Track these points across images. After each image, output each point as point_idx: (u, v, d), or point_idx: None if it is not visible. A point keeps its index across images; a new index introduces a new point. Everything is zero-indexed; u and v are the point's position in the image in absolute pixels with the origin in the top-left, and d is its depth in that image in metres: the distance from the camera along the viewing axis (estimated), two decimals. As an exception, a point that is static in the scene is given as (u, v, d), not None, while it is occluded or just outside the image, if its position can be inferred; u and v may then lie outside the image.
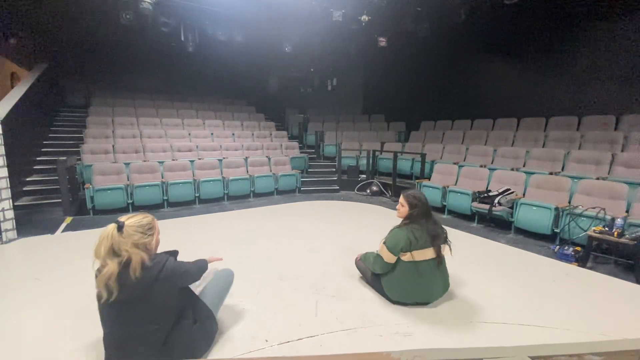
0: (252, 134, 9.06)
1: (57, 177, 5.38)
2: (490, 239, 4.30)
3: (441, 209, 5.61)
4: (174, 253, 1.83)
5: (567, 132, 6.06)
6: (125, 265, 1.55)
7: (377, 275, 2.63)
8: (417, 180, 6.36)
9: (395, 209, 2.70)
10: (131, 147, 6.79)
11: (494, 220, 4.86)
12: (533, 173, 4.97)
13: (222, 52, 9.26)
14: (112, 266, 1.52)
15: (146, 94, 10.04)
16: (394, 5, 6.29)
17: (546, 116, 6.66)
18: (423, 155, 6.84)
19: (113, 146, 6.67)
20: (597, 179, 4.43)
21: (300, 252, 3.70)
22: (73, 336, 2.13)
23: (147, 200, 5.68)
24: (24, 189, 5.94)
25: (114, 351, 1.67)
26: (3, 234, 3.99)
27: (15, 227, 4.13)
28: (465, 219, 5.28)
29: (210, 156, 7.32)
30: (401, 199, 2.56)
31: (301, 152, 8.88)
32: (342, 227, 4.81)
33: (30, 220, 4.89)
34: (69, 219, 5.06)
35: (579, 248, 3.60)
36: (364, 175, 7.95)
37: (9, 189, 4.07)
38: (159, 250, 1.78)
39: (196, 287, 2.02)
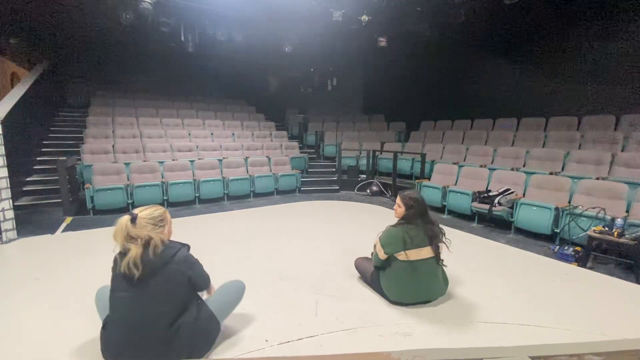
0: (252, 134, 9.06)
1: (57, 177, 5.39)
2: (490, 239, 4.30)
3: (441, 209, 5.61)
4: (187, 246, 1.92)
5: (567, 132, 6.06)
6: (145, 246, 1.69)
7: (377, 276, 2.64)
8: (417, 180, 6.36)
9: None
10: (131, 147, 6.79)
11: (494, 220, 4.86)
12: (533, 173, 4.97)
13: (222, 52, 9.25)
14: (135, 249, 1.66)
15: (146, 94, 10.04)
16: (394, 5, 6.29)
17: (546, 116, 6.67)
18: (423, 155, 6.84)
19: (113, 146, 6.67)
20: (597, 179, 4.43)
21: (300, 252, 3.70)
22: (73, 336, 2.13)
23: (147, 200, 5.65)
24: (24, 189, 5.94)
25: (123, 338, 1.70)
26: (3, 234, 3.99)
27: (15, 227, 4.13)
28: (465, 219, 5.28)
29: (210, 156, 7.32)
30: (398, 200, 2.59)
31: (301, 152, 8.87)
32: (342, 227, 4.81)
33: (30, 220, 4.89)
34: (69, 219, 5.06)
35: (579, 248, 3.60)
36: (364, 175, 7.95)
37: (9, 189, 4.07)
38: None
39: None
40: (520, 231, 4.49)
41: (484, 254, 3.81)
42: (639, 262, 3.11)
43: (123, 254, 1.68)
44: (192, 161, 6.73)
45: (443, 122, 8.71)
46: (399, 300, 2.52)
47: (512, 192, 4.75)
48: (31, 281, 2.97)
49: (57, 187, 5.42)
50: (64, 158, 5.30)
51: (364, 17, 6.65)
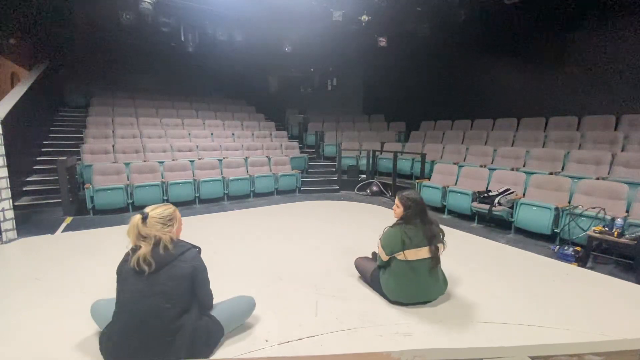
0: (252, 134, 9.06)
1: (57, 177, 5.38)
2: (490, 239, 4.30)
3: (441, 209, 5.61)
4: (198, 248, 1.96)
5: (567, 132, 6.05)
6: (155, 244, 1.77)
7: (376, 275, 2.65)
8: (417, 181, 6.36)
9: (395, 209, 2.70)
10: (131, 147, 6.79)
11: (494, 220, 4.86)
12: (533, 173, 4.97)
13: (222, 52, 9.26)
14: (145, 247, 1.74)
15: (146, 94, 10.02)
16: (394, 5, 6.29)
17: (546, 116, 6.66)
18: (423, 155, 6.84)
19: (113, 146, 6.66)
20: (597, 179, 4.43)
21: (300, 252, 3.70)
22: (73, 336, 2.13)
23: (148, 200, 5.65)
24: (24, 189, 5.94)
25: (124, 337, 1.73)
26: (3, 234, 3.98)
27: (15, 227, 4.13)
28: (465, 219, 5.28)
29: (210, 156, 7.32)
30: (396, 200, 2.60)
31: (301, 152, 8.87)
32: (342, 227, 4.81)
33: (30, 220, 4.89)
34: (69, 219, 5.06)
35: (579, 248, 3.60)
36: (364, 175, 7.95)
37: (9, 189, 4.07)
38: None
39: None
40: (520, 231, 4.48)
41: (484, 254, 3.81)
42: (639, 262, 3.11)
43: (134, 250, 1.77)
44: (192, 161, 6.73)
45: (443, 122, 8.70)
46: (398, 300, 2.52)
47: (512, 192, 4.75)
48: (31, 281, 2.97)
49: (57, 187, 5.41)
50: (64, 158, 5.29)
51: (364, 17, 6.66)
